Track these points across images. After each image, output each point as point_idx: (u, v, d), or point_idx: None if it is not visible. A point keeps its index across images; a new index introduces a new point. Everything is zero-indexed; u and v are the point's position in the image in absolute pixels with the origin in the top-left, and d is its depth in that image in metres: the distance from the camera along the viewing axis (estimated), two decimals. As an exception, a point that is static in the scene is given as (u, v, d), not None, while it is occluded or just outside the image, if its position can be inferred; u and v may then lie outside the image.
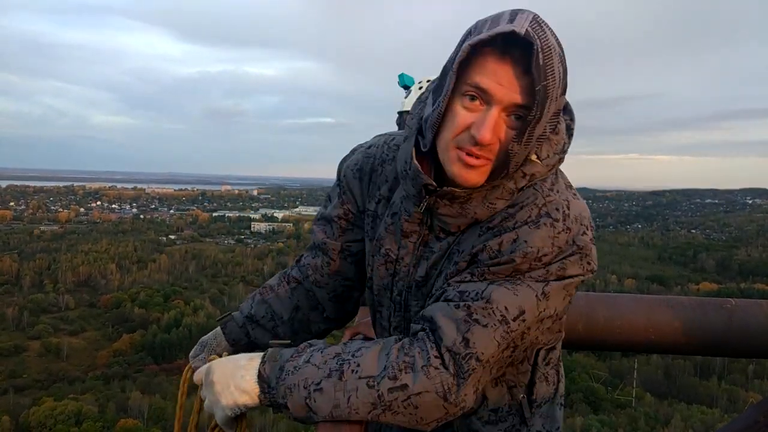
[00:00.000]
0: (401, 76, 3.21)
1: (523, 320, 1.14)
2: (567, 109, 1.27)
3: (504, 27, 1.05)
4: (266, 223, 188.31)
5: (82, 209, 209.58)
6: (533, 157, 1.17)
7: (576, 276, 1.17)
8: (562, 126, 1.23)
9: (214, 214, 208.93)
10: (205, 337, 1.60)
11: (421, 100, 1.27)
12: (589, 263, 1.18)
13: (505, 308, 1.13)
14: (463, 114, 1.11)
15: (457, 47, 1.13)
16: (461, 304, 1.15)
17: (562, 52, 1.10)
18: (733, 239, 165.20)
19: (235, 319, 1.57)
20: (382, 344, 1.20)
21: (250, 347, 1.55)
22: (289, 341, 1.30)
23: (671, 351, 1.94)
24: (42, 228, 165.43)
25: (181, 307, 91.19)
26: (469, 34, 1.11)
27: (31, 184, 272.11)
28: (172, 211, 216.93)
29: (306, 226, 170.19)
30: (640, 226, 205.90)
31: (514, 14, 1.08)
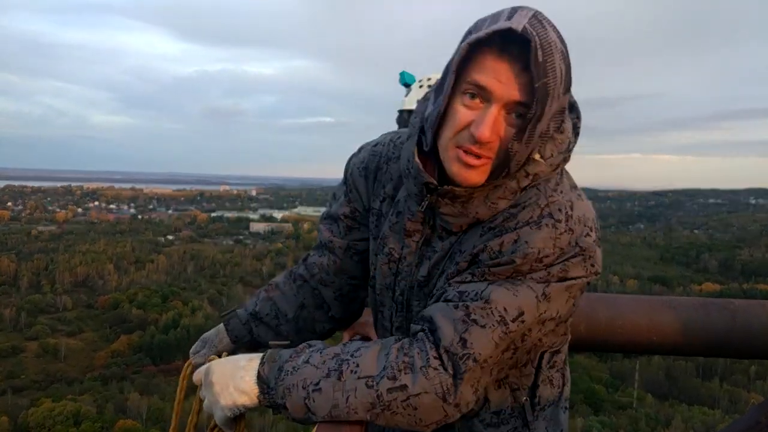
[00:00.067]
0: (402, 74, 3.21)
1: (522, 321, 1.13)
2: (574, 108, 1.25)
3: (501, 24, 1.04)
4: (265, 224, 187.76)
5: (79, 209, 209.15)
6: (536, 156, 1.16)
7: (579, 278, 1.15)
8: (568, 125, 1.21)
9: (213, 215, 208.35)
10: (206, 334, 1.59)
11: (425, 99, 1.26)
12: (592, 265, 1.16)
13: (504, 309, 1.12)
14: (462, 112, 1.10)
15: (457, 47, 1.12)
16: (460, 304, 1.14)
17: (565, 49, 1.09)
18: (736, 239, 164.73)
19: (238, 316, 1.56)
20: (382, 344, 1.19)
21: (253, 345, 1.55)
22: (288, 342, 1.29)
23: (673, 352, 1.94)
24: (40, 228, 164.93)
25: (179, 307, 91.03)
26: (469, 33, 1.11)
27: (29, 184, 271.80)
28: (170, 212, 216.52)
29: (305, 226, 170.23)
30: (642, 226, 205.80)
31: (513, 11, 1.07)
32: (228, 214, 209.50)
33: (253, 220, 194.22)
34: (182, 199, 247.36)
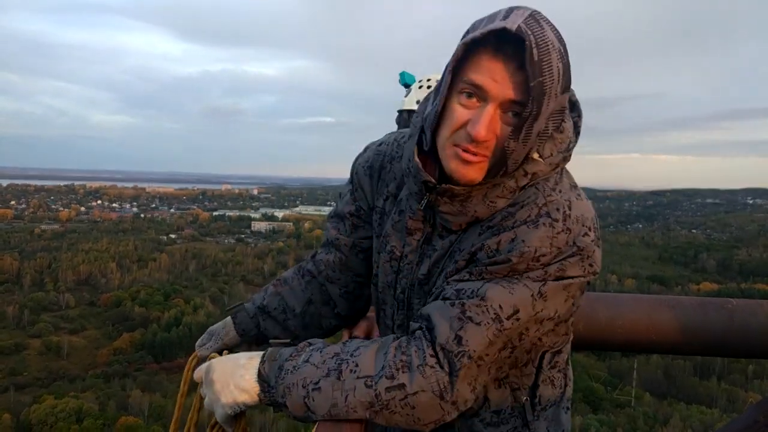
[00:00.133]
0: (402, 74, 3.21)
1: (517, 319, 1.13)
2: (576, 107, 1.26)
3: (496, 24, 1.06)
4: (266, 223, 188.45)
5: (82, 208, 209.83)
6: (535, 155, 1.16)
7: (576, 277, 1.15)
8: (568, 124, 1.22)
9: (215, 214, 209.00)
10: (213, 327, 1.60)
11: (426, 99, 1.28)
12: (591, 265, 1.16)
13: (500, 306, 1.12)
14: (459, 111, 1.11)
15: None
16: (456, 302, 1.15)
17: (563, 48, 1.09)
18: (734, 239, 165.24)
19: (246, 310, 1.57)
20: (381, 343, 1.20)
21: (259, 339, 1.56)
22: (288, 340, 1.29)
23: (672, 351, 1.93)
24: (43, 227, 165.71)
25: (181, 305, 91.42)
26: (467, 33, 1.12)
27: (32, 183, 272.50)
28: (172, 210, 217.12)
29: (306, 225, 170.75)
30: (640, 225, 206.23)
31: (510, 11, 1.08)
32: (230, 213, 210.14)
33: (254, 219, 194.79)
34: (184, 198, 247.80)
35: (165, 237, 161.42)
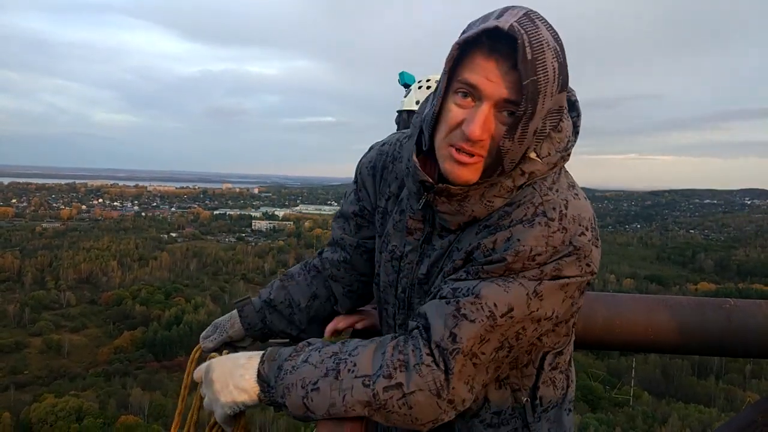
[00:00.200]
0: (401, 75, 3.18)
1: (512, 317, 1.12)
2: (575, 106, 1.26)
3: (489, 23, 1.06)
4: (267, 221, 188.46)
5: (83, 207, 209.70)
6: (532, 154, 1.16)
7: (573, 277, 1.15)
8: (567, 123, 1.22)
9: (215, 212, 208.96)
10: (219, 319, 1.60)
11: (427, 100, 1.29)
12: (588, 265, 1.16)
13: (494, 305, 1.12)
14: (455, 111, 1.12)
15: None
16: (452, 300, 1.15)
17: (560, 47, 1.09)
18: (731, 239, 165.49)
19: (252, 304, 1.58)
20: (379, 343, 1.20)
21: (265, 333, 1.58)
22: (287, 340, 1.28)
23: (670, 351, 1.95)
24: (44, 225, 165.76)
25: (182, 304, 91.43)
26: (462, 33, 1.13)
27: (33, 181, 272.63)
28: (173, 209, 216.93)
29: (306, 224, 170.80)
30: (639, 226, 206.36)
31: (504, 11, 1.08)
32: (230, 212, 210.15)
33: (255, 218, 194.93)
34: (185, 196, 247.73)
35: (166, 235, 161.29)
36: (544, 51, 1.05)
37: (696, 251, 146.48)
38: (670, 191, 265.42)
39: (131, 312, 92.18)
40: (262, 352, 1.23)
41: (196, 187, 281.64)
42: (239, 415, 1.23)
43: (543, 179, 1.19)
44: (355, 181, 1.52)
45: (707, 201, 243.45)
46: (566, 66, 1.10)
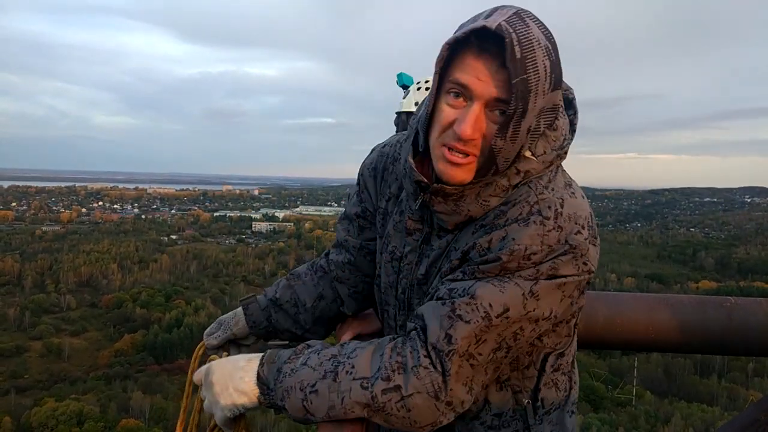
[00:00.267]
0: (400, 76, 3.19)
1: (507, 317, 1.12)
2: (572, 105, 1.26)
3: (477, 23, 1.07)
4: (267, 223, 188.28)
5: (83, 209, 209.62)
6: (527, 153, 1.16)
7: (570, 276, 1.14)
8: (563, 122, 1.21)
9: (216, 214, 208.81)
10: (223, 316, 1.60)
11: (425, 101, 1.29)
12: (585, 263, 1.15)
13: (489, 305, 1.11)
14: (447, 111, 1.12)
15: None
16: (447, 301, 1.15)
17: (552, 45, 1.09)
18: (731, 238, 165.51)
19: (258, 302, 1.58)
20: (377, 344, 1.20)
21: (269, 332, 1.57)
22: (287, 342, 1.30)
23: (671, 349, 1.95)
24: (44, 228, 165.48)
25: (182, 307, 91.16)
26: (453, 34, 1.13)
27: (33, 184, 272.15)
28: (173, 211, 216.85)
29: (307, 225, 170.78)
30: (639, 224, 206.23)
31: (494, 10, 1.09)
32: (230, 214, 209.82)
33: (255, 220, 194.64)
34: (185, 199, 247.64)
35: (166, 238, 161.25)
36: (534, 49, 1.05)
37: (696, 249, 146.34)
38: (670, 190, 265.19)
39: (132, 315, 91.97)
40: (262, 354, 1.23)
41: (196, 189, 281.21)
42: (239, 417, 1.23)
43: (539, 178, 1.19)
44: (358, 183, 1.53)
45: (707, 199, 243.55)
46: (559, 64, 1.10)
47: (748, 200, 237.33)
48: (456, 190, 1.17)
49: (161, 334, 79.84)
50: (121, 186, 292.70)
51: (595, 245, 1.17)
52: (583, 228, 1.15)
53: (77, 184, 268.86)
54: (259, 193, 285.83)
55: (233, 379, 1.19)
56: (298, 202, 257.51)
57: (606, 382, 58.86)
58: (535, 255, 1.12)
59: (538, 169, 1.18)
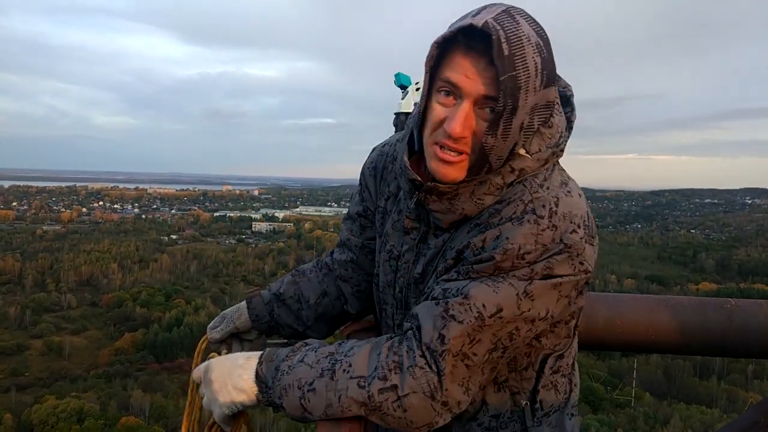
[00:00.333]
0: (397, 76, 3.20)
1: (501, 317, 1.11)
2: (569, 102, 1.25)
3: (464, 21, 1.07)
4: (267, 223, 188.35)
5: (84, 209, 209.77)
6: (521, 151, 1.15)
7: (565, 276, 1.12)
8: (558, 119, 1.20)
9: (216, 214, 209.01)
10: (226, 311, 1.61)
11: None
12: (581, 263, 1.13)
13: (483, 305, 1.11)
14: (438, 109, 1.13)
15: None
16: (441, 301, 1.15)
17: (543, 42, 1.08)
18: (732, 239, 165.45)
19: (262, 296, 1.59)
20: (374, 343, 1.20)
21: (271, 327, 1.58)
22: (286, 340, 1.30)
23: (671, 351, 1.95)
24: (44, 228, 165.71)
25: (182, 306, 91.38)
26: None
27: (34, 184, 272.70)
28: (173, 211, 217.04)
29: (307, 225, 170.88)
30: (639, 225, 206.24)
31: (482, 9, 1.10)
32: (231, 214, 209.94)
33: (255, 220, 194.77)
34: (185, 199, 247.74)
35: (166, 238, 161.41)
36: (523, 46, 1.04)
37: (697, 251, 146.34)
38: (670, 191, 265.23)
39: (132, 314, 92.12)
40: (261, 352, 1.23)
41: (196, 189, 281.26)
42: (238, 415, 1.24)
43: (534, 176, 1.17)
44: (360, 183, 1.54)
45: (708, 200, 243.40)
46: (552, 60, 1.10)
47: (749, 201, 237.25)
48: (450, 188, 1.16)
49: (161, 333, 79.93)
50: (121, 186, 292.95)
51: (591, 244, 1.15)
52: (579, 227, 1.14)
53: (78, 184, 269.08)
54: (259, 194, 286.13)
55: (232, 376, 1.19)
56: (298, 203, 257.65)
57: (605, 384, 58.83)
58: (529, 254, 1.10)
59: (533, 167, 1.16)
